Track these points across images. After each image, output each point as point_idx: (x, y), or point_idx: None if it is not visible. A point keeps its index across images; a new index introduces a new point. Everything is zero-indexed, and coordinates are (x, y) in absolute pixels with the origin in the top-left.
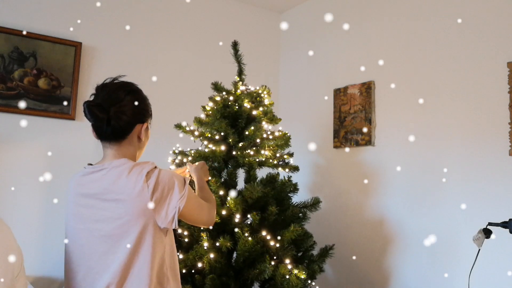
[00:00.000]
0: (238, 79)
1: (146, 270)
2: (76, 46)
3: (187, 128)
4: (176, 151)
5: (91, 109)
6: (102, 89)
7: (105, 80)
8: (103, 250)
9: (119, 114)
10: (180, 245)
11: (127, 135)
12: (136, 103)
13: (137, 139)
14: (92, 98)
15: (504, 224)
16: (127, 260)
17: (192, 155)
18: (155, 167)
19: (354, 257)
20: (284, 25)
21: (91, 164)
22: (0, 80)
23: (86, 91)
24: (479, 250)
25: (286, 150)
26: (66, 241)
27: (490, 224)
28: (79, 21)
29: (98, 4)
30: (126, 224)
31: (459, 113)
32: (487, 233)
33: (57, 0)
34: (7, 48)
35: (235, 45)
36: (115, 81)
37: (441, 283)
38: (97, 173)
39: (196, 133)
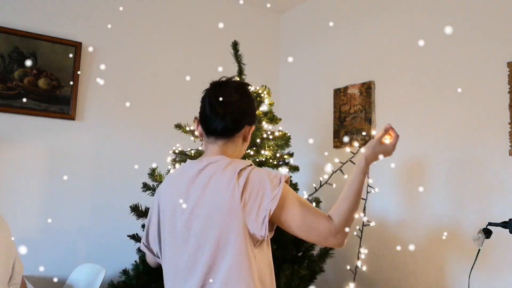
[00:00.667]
0: (238, 79)
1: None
2: (76, 46)
3: (187, 128)
4: (176, 151)
5: (212, 101)
6: (221, 85)
7: (221, 78)
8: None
9: (236, 111)
10: None
11: (236, 133)
12: (250, 104)
13: (242, 140)
14: (205, 93)
15: (504, 224)
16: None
17: (192, 155)
18: (250, 165)
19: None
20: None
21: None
22: (0, 80)
23: (86, 91)
24: (479, 250)
25: (286, 150)
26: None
27: (490, 224)
28: (79, 21)
29: (98, 4)
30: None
31: (459, 113)
32: (487, 233)
33: (57, 0)
34: (7, 48)
35: (235, 45)
36: (232, 80)
37: (441, 282)
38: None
39: (196, 133)
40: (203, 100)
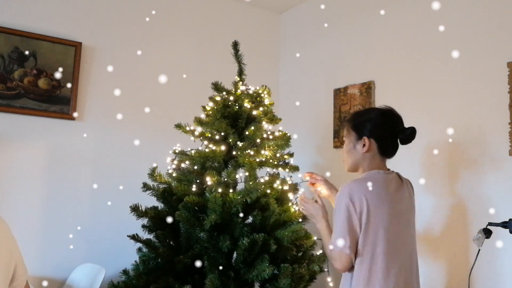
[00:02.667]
0: (238, 79)
1: None
2: (76, 46)
3: (187, 128)
4: (176, 151)
5: (409, 135)
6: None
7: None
8: None
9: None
10: (179, 245)
11: None
12: None
13: None
14: (391, 120)
15: (504, 224)
16: None
17: (192, 155)
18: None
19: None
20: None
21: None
22: (0, 80)
23: (86, 91)
24: (479, 250)
25: (286, 150)
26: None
27: (490, 224)
28: (79, 21)
29: (98, 4)
30: None
31: (459, 113)
32: (487, 233)
33: (57, 0)
34: (7, 48)
35: (235, 45)
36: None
37: (440, 282)
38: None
39: (196, 133)
40: (390, 125)
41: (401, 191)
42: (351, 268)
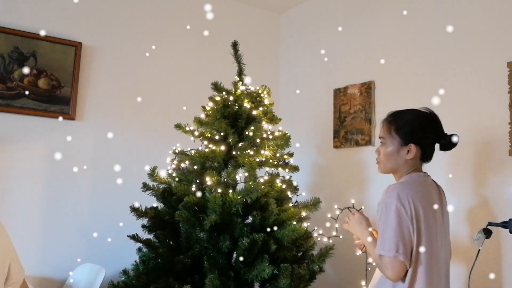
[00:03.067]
0: (238, 79)
1: None
2: (76, 46)
3: (187, 128)
4: (176, 151)
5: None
6: None
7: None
8: None
9: None
10: (179, 245)
11: None
12: None
13: None
14: (433, 125)
15: (504, 224)
16: None
17: (192, 155)
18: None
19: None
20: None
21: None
22: (0, 80)
23: (86, 91)
24: (479, 250)
25: (286, 150)
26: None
27: (490, 224)
28: (79, 21)
29: (98, 4)
30: None
31: (459, 113)
32: (487, 233)
33: (57, 0)
34: (7, 48)
35: (235, 45)
36: None
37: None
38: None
39: (196, 133)
40: (434, 132)
41: (439, 195)
42: (403, 277)
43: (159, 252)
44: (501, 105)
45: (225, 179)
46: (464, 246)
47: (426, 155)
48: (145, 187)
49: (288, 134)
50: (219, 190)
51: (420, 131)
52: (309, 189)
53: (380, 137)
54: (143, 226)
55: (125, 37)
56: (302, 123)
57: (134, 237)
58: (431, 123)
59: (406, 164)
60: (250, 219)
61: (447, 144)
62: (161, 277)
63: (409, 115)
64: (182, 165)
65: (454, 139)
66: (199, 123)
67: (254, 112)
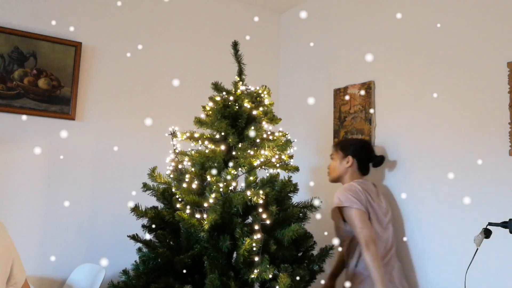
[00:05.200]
0: (238, 79)
1: None
2: (76, 46)
3: (184, 136)
4: (176, 151)
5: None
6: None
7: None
8: None
9: None
10: (179, 245)
11: None
12: None
13: None
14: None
15: (504, 224)
16: None
17: (192, 155)
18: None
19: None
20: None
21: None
22: (0, 80)
23: (86, 91)
24: (477, 249)
25: (287, 152)
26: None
27: (490, 224)
28: (79, 21)
29: (98, 4)
30: None
31: (459, 113)
32: (487, 233)
33: (57, 0)
34: (7, 48)
35: (235, 45)
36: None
37: (437, 281)
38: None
39: (196, 134)
40: (367, 151)
41: (378, 194)
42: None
43: (159, 252)
44: (501, 105)
45: (225, 179)
46: (464, 246)
47: (362, 167)
48: (145, 187)
49: (289, 138)
50: (220, 190)
51: (357, 148)
52: (309, 189)
53: (330, 155)
54: (143, 226)
55: (125, 37)
56: (302, 123)
57: (134, 237)
58: (365, 145)
59: (347, 173)
60: (250, 219)
61: (377, 162)
62: (161, 277)
63: (350, 140)
64: (182, 164)
65: (380, 159)
66: (199, 123)
67: (254, 112)
